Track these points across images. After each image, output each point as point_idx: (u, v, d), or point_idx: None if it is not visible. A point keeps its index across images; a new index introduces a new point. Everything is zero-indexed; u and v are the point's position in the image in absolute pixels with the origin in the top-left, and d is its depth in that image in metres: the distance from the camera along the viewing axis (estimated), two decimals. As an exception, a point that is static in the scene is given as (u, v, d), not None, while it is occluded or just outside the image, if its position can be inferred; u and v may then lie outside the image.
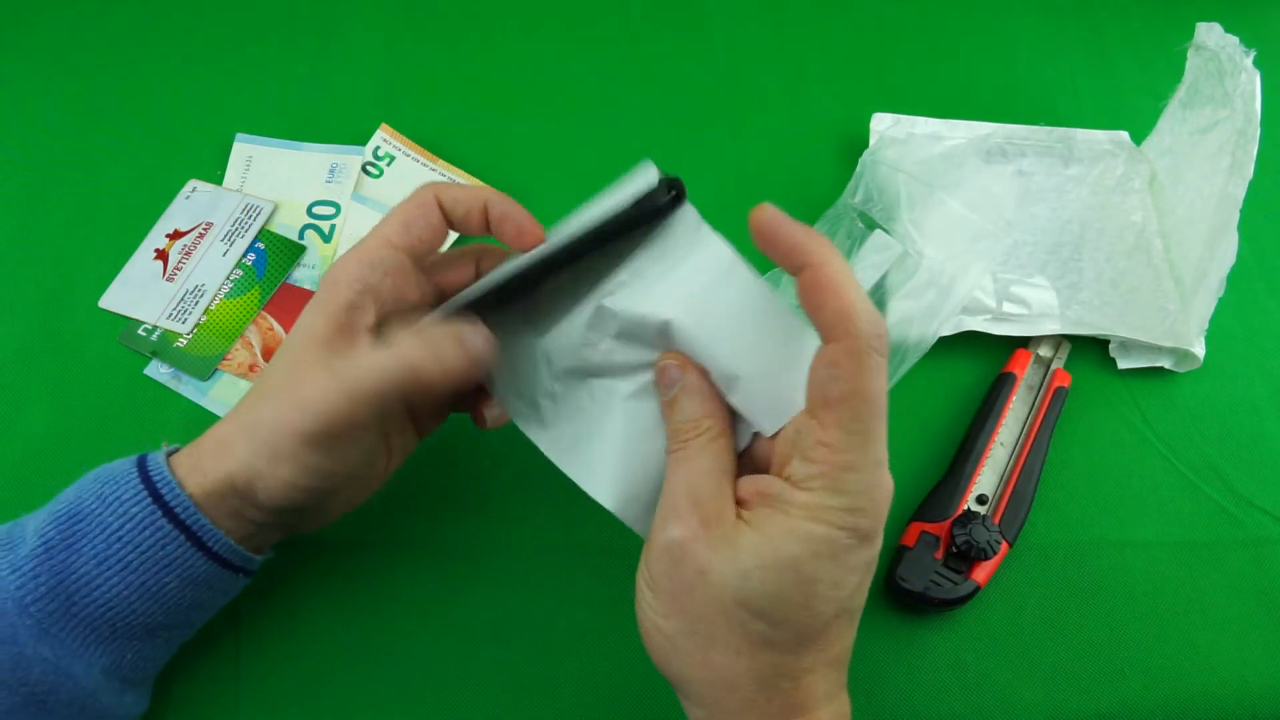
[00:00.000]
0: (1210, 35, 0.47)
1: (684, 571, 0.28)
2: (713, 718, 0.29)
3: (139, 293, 0.47)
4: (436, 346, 0.32)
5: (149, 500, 0.31)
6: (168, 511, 0.31)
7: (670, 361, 0.31)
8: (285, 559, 0.41)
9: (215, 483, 0.32)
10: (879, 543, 0.29)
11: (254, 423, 0.32)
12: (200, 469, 0.32)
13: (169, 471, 0.32)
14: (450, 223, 0.35)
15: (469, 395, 0.37)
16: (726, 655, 0.28)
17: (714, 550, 0.28)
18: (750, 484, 0.30)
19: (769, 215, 0.28)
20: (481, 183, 0.53)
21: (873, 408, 0.27)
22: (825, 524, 0.27)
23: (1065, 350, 0.49)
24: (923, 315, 0.46)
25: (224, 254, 0.48)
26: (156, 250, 0.48)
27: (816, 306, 0.28)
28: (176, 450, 0.34)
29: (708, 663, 0.28)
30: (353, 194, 0.51)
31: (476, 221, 0.34)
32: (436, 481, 0.44)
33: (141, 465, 0.32)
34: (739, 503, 0.30)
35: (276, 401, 0.32)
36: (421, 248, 0.34)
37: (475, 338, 0.33)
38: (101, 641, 0.32)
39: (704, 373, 0.31)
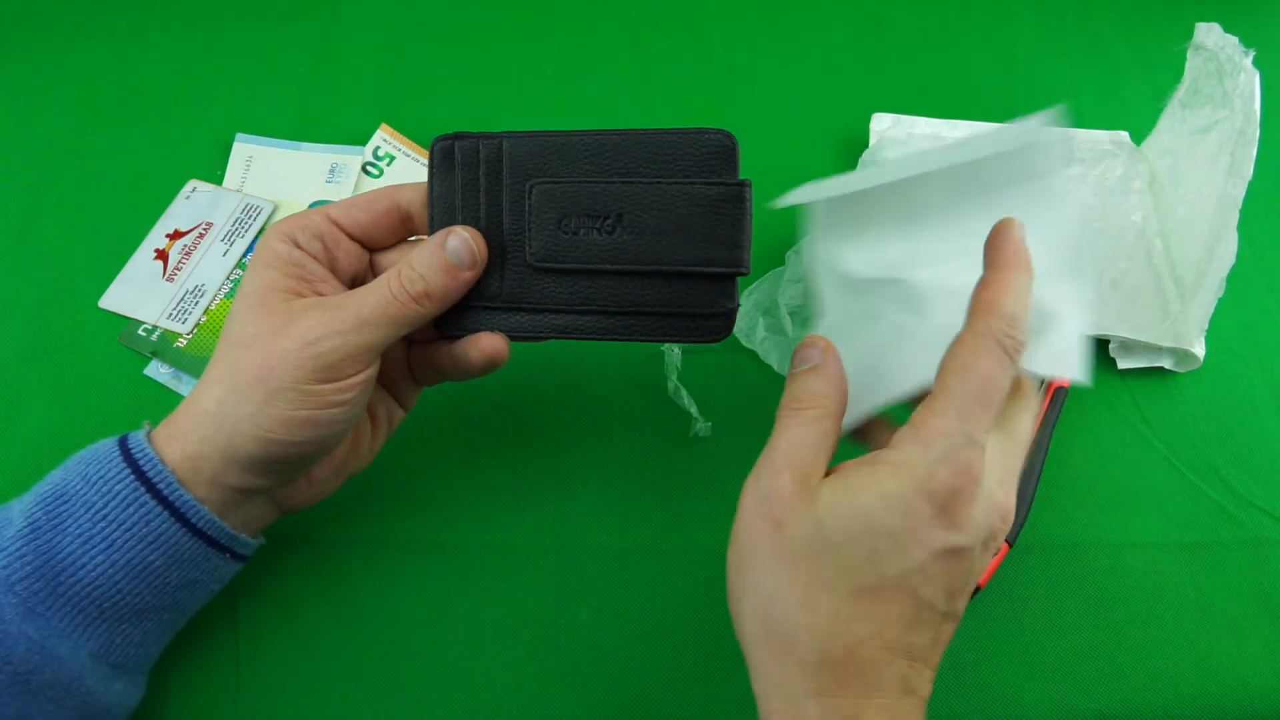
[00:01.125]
0: (1209, 35, 0.47)
1: (763, 524, 0.29)
2: (767, 692, 0.29)
3: (139, 293, 0.47)
4: (425, 263, 0.33)
5: (131, 477, 0.32)
6: (150, 487, 0.32)
7: (816, 342, 0.33)
8: (285, 557, 0.41)
9: (195, 444, 0.32)
10: (964, 534, 0.28)
11: (234, 369, 0.32)
12: (178, 436, 0.32)
13: (149, 447, 0.32)
14: (410, 220, 0.36)
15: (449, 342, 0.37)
16: (786, 606, 0.28)
17: (795, 504, 0.29)
18: (852, 460, 0.30)
19: (1003, 225, 0.31)
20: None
21: (978, 383, 0.28)
22: (901, 480, 0.28)
23: (1065, 350, 0.49)
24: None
25: (224, 254, 0.48)
26: (156, 250, 0.48)
27: (974, 299, 0.30)
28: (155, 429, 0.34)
29: (768, 615, 0.29)
30: (353, 194, 0.51)
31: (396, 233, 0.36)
32: (436, 481, 0.44)
33: (123, 443, 0.33)
34: (836, 470, 0.30)
35: (264, 345, 0.32)
36: (358, 229, 0.35)
37: (457, 245, 0.33)
38: (89, 623, 0.32)
39: (839, 362, 0.33)
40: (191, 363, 0.45)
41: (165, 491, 0.32)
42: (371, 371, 0.33)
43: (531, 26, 0.59)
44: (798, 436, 0.31)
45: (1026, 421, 0.31)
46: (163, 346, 0.46)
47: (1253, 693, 0.42)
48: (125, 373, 0.45)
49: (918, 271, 0.36)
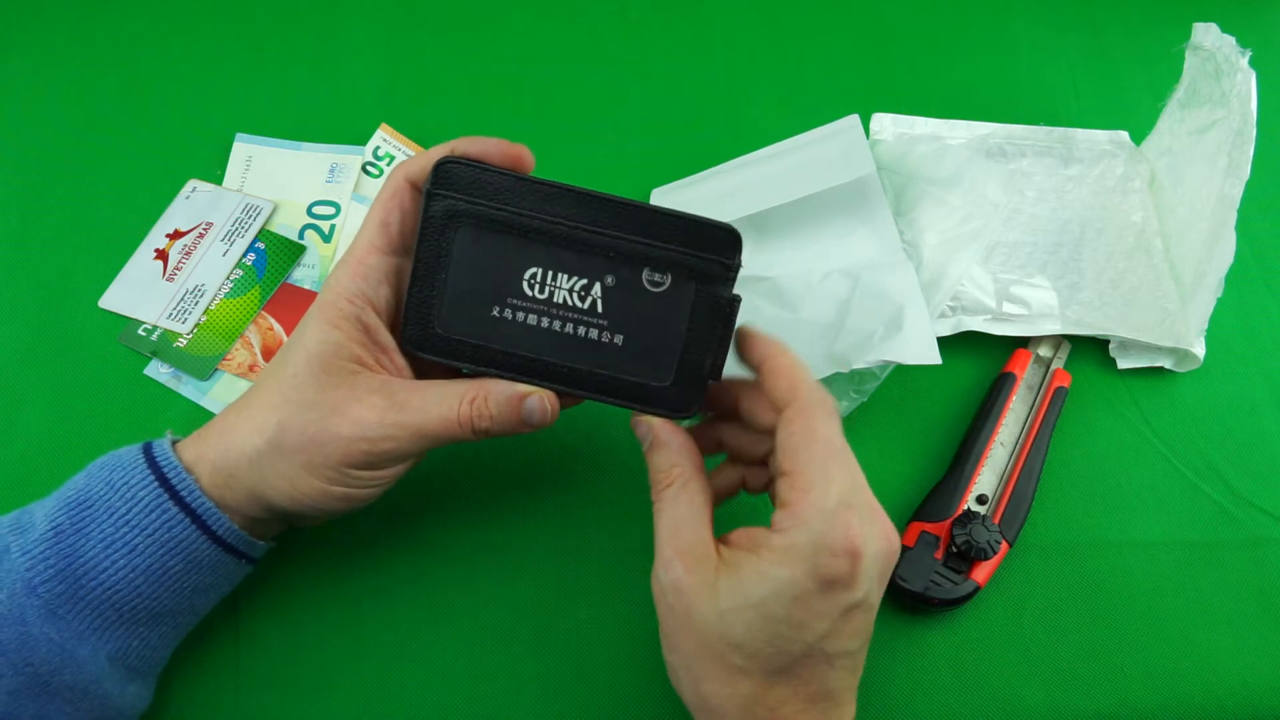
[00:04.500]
0: (1207, 35, 0.47)
1: (677, 613, 0.31)
2: None
3: (139, 293, 0.47)
4: (500, 406, 0.33)
5: (155, 484, 0.32)
6: (174, 495, 0.32)
7: (639, 423, 0.35)
8: (286, 558, 0.41)
9: (224, 477, 0.32)
10: (859, 591, 0.30)
11: (282, 428, 0.32)
12: (206, 460, 0.33)
13: (175, 457, 0.33)
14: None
15: None
16: (713, 685, 0.31)
17: (697, 594, 0.31)
18: (744, 533, 0.32)
19: (742, 333, 0.35)
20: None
21: (828, 449, 0.31)
22: (789, 566, 0.29)
23: (1065, 350, 0.49)
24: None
25: (224, 254, 0.48)
26: (156, 250, 0.48)
27: (773, 386, 0.33)
28: (179, 440, 0.34)
29: (699, 693, 0.31)
30: (353, 194, 0.51)
31: None
32: (437, 482, 0.44)
33: (147, 451, 0.33)
34: (729, 543, 0.32)
35: (319, 417, 0.32)
36: (407, 239, 0.35)
37: (535, 407, 0.34)
38: (108, 626, 0.32)
39: (671, 428, 0.34)
40: (191, 362, 0.45)
41: (189, 500, 0.32)
42: (413, 462, 0.35)
43: (531, 26, 0.59)
44: (672, 519, 0.32)
45: (839, 431, 0.32)
46: (163, 346, 0.46)
47: (1253, 693, 0.42)
48: (125, 373, 0.45)
49: (776, 270, 0.41)
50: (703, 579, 0.31)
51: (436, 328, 0.34)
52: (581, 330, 0.34)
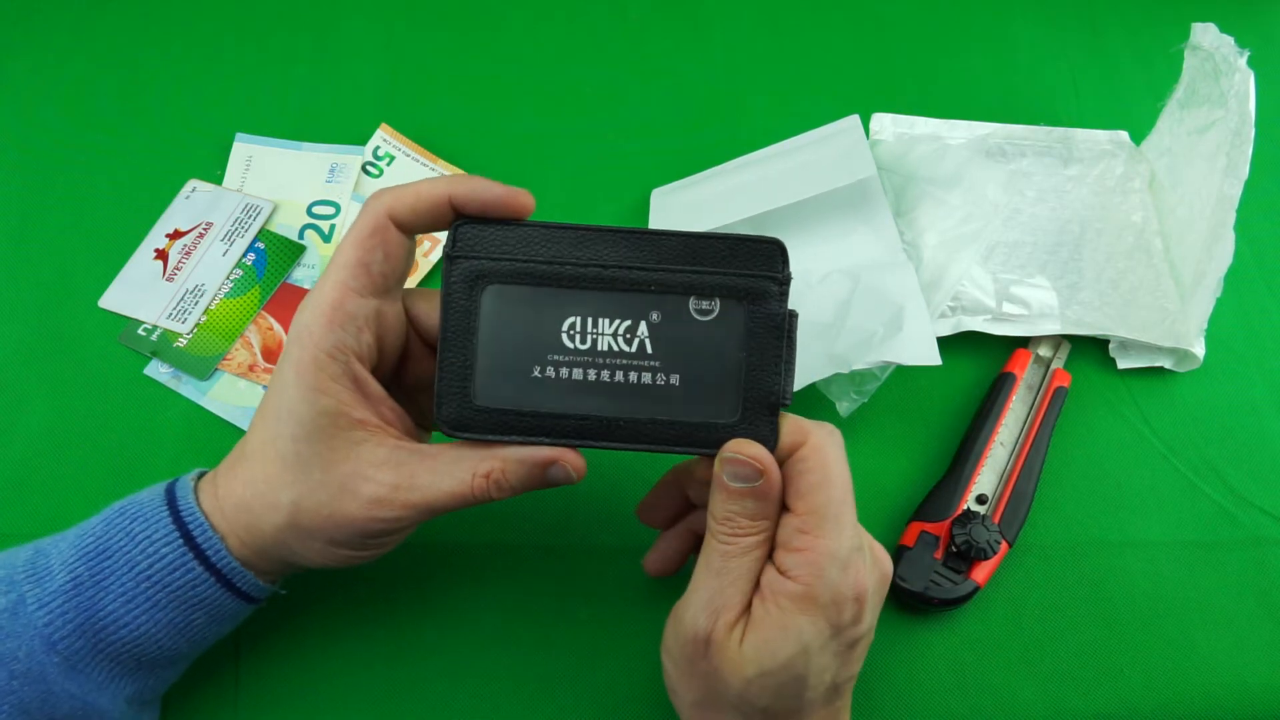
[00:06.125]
0: (1206, 35, 0.47)
1: (699, 665, 0.31)
2: None
3: (139, 293, 0.47)
4: (521, 478, 0.32)
5: (180, 542, 0.31)
6: (199, 554, 0.31)
7: (752, 457, 0.31)
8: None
9: (253, 551, 0.32)
10: (864, 626, 0.31)
11: (297, 507, 0.31)
12: (235, 533, 0.32)
13: (200, 513, 0.32)
14: (414, 234, 0.33)
15: None
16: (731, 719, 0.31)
17: (723, 655, 0.30)
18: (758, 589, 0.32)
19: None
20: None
21: (844, 491, 0.31)
22: (809, 616, 0.29)
23: (1065, 350, 0.49)
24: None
25: (224, 254, 0.48)
26: (156, 250, 0.48)
27: (784, 433, 0.32)
28: (201, 475, 0.34)
29: None
30: (353, 194, 0.51)
31: (446, 221, 0.32)
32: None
33: (171, 502, 0.32)
34: None
35: (331, 498, 0.31)
36: (389, 281, 0.32)
37: (559, 476, 0.33)
38: (127, 673, 0.32)
39: (779, 475, 0.31)
40: (191, 362, 0.45)
41: (215, 560, 0.32)
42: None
43: (531, 25, 0.59)
44: (732, 575, 0.31)
45: (848, 467, 0.32)
46: (163, 346, 0.46)
47: (1253, 693, 0.42)
48: (125, 373, 0.45)
49: None
50: (732, 639, 0.30)
51: (476, 401, 0.32)
52: (633, 376, 0.32)
